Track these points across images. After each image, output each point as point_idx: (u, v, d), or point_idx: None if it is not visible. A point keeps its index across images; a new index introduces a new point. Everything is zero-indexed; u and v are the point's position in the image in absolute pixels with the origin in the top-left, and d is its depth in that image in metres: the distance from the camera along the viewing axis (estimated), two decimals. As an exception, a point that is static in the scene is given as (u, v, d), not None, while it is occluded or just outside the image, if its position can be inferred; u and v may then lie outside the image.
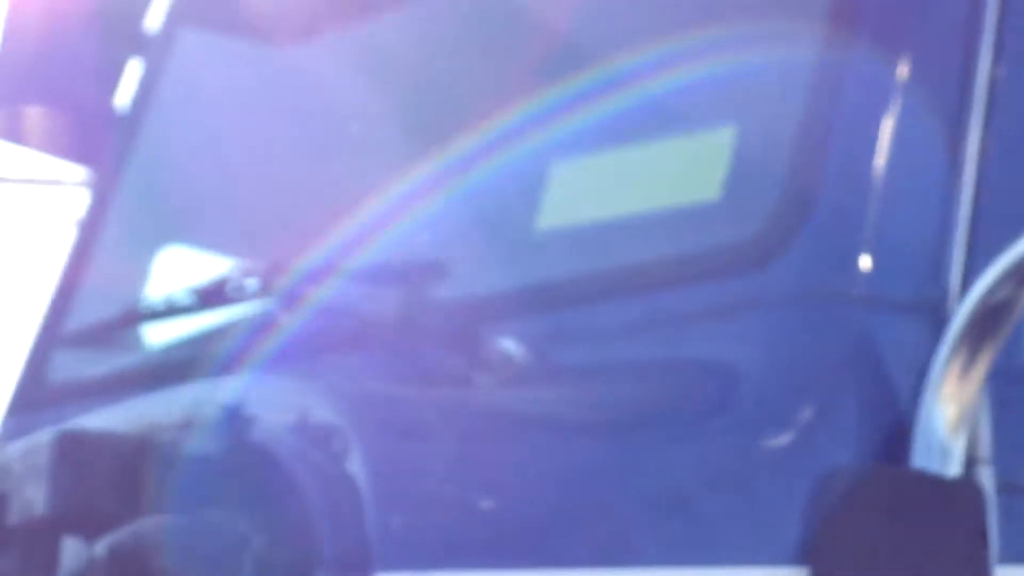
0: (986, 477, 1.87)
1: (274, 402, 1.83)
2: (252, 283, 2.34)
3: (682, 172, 2.21)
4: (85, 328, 2.78)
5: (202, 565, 1.67)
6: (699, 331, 1.99)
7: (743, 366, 1.92)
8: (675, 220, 2.15)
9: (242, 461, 1.76)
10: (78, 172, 3.52)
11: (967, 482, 1.85)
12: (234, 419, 1.80)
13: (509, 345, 2.05)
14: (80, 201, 3.33)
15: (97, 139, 3.26)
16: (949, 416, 1.83)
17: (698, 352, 1.97)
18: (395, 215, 2.41)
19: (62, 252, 3.11)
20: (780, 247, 1.96)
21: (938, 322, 1.88)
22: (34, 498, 1.81)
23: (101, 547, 1.71)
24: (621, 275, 2.10)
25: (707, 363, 1.95)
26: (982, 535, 1.83)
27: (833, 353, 1.92)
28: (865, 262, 1.93)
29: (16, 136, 3.43)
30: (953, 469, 1.84)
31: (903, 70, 2.01)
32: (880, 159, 1.98)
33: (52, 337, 2.87)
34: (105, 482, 1.78)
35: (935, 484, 1.83)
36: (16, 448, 2.03)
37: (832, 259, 1.96)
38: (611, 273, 2.12)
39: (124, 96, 3.20)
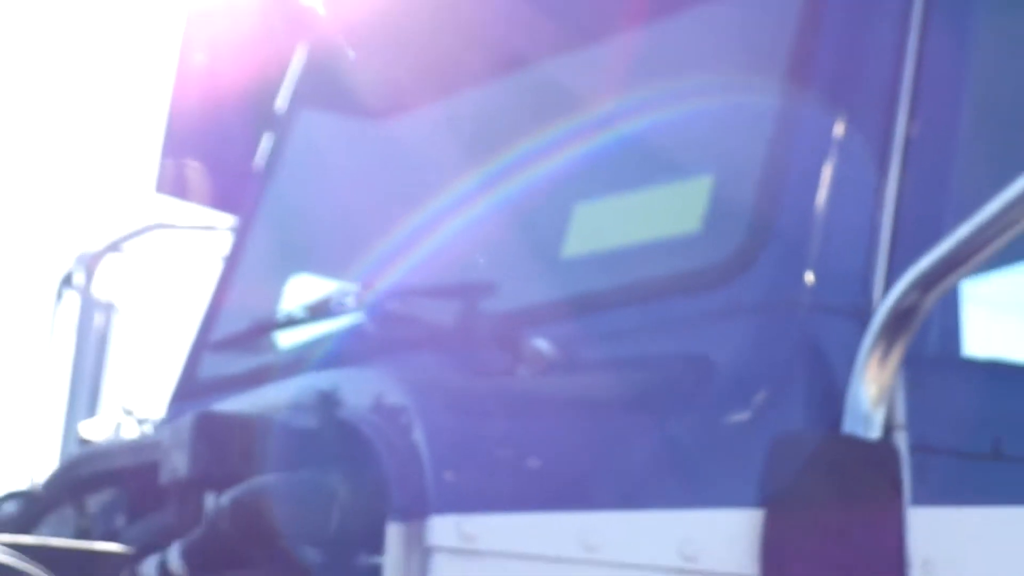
0: (901, 440, 1.86)
1: (358, 389, 1.85)
2: (349, 300, 2.39)
3: (673, 211, 2.23)
4: (227, 337, 2.82)
5: (301, 510, 1.70)
6: (686, 333, 1.99)
7: (720, 358, 1.92)
8: (667, 248, 2.17)
9: (333, 434, 1.79)
10: (225, 219, 3.56)
11: (886, 443, 1.85)
12: (328, 403, 1.82)
13: (541, 344, 2.05)
14: (226, 242, 3.36)
15: (239, 195, 3.30)
16: (872, 393, 1.83)
17: (686, 348, 1.97)
18: (457, 249, 2.45)
19: (212, 280, 3.15)
20: (746, 269, 1.98)
21: (864, 322, 1.88)
22: (179, 463, 1.87)
23: (226, 499, 1.76)
24: (626, 290, 2.11)
25: (693, 356, 1.95)
26: (897, 484, 1.83)
27: (786, 347, 1.93)
28: (810, 279, 1.94)
29: (181, 193, 3.49)
30: (875, 433, 1.84)
31: (839, 135, 2.01)
32: (821, 202, 1.98)
33: (203, 344, 2.92)
34: (231, 450, 1.82)
35: (861, 445, 1.84)
36: (168, 427, 2.09)
37: (785, 277, 1.96)
38: (618, 289, 2.13)
39: (259, 160, 3.23)
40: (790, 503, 1.79)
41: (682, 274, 2.05)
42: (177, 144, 3.37)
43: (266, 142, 3.18)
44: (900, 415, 1.87)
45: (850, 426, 1.84)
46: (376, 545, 1.64)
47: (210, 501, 1.80)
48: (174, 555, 1.80)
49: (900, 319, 1.81)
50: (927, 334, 1.93)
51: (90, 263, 3.70)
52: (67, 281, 3.71)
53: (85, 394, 3.54)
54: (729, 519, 1.77)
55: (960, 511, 1.92)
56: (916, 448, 1.87)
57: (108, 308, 3.71)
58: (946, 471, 1.91)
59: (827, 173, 2.00)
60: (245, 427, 1.85)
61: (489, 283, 2.24)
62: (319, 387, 1.86)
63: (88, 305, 3.66)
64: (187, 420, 1.87)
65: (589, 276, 2.24)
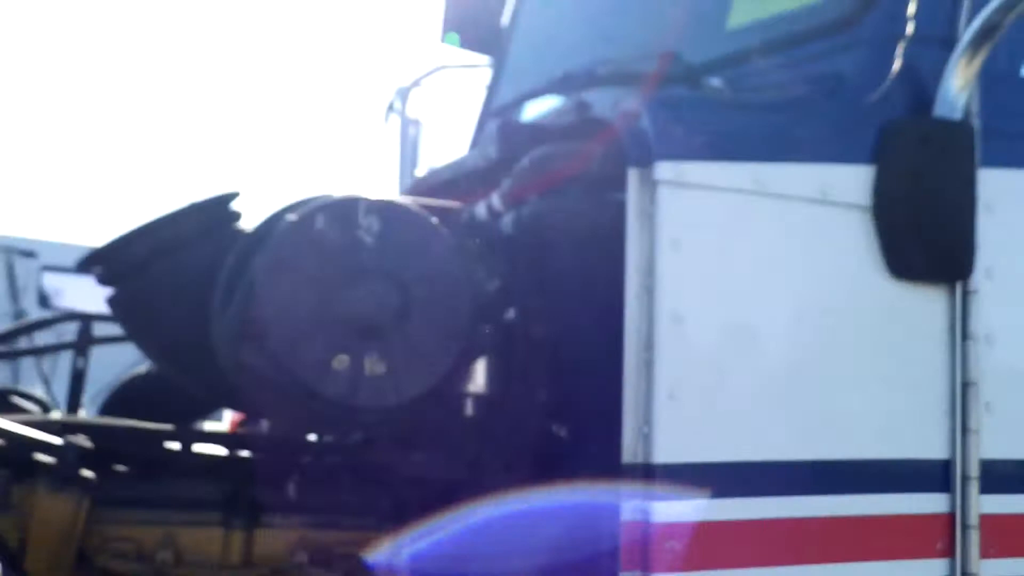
0: (975, 121, 1.78)
1: (602, 102, 1.84)
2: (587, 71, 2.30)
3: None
4: (501, 105, 2.84)
5: (569, 159, 1.71)
6: (828, 60, 1.88)
7: (857, 68, 1.82)
8: (809, 10, 2.03)
9: (586, 125, 1.78)
10: (485, 60, 3.57)
11: (964, 123, 1.77)
12: (582, 108, 1.83)
13: (716, 81, 1.98)
14: (487, 74, 3.37)
15: (494, 42, 3.29)
16: (957, 87, 1.74)
17: (828, 69, 1.85)
18: (656, 30, 2.36)
19: (483, 94, 3.17)
20: (866, 15, 1.85)
21: (950, 49, 1.77)
22: (491, 150, 1.89)
23: (525, 160, 1.78)
24: (786, 37, 1.99)
25: (833, 73, 1.84)
26: (972, 150, 1.76)
27: (903, 60, 1.80)
28: (914, 18, 1.81)
29: (458, 43, 3.51)
30: (957, 116, 1.76)
31: None
32: None
33: (487, 113, 2.95)
34: (523, 137, 1.86)
35: (948, 123, 1.76)
36: (480, 138, 2.10)
37: (894, 19, 1.83)
38: (779, 37, 2.01)
39: (506, 18, 3.21)
40: (896, 160, 1.73)
41: (822, 23, 1.93)
42: (454, 8, 3.37)
43: (509, 5, 3.13)
44: (975, 106, 1.78)
45: (939, 111, 1.76)
46: (621, 184, 1.64)
47: (515, 168, 1.82)
48: (495, 198, 1.86)
49: (985, 34, 1.70)
50: (996, 59, 1.80)
51: (403, 94, 3.80)
52: (390, 107, 3.83)
53: (408, 171, 3.70)
54: (855, 170, 1.72)
55: (1012, 171, 1.82)
56: (985, 130, 1.78)
57: (416, 124, 3.81)
58: (1005, 143, 1.81)
59: None
60: (529, 125, 1.88)
61: (678, 53, 2.11)
62: (576, 101, 1.86)
63: (404, 121, 3.78)
64: (493, 126, 1.90)
65: (755, 35, 2.11)
